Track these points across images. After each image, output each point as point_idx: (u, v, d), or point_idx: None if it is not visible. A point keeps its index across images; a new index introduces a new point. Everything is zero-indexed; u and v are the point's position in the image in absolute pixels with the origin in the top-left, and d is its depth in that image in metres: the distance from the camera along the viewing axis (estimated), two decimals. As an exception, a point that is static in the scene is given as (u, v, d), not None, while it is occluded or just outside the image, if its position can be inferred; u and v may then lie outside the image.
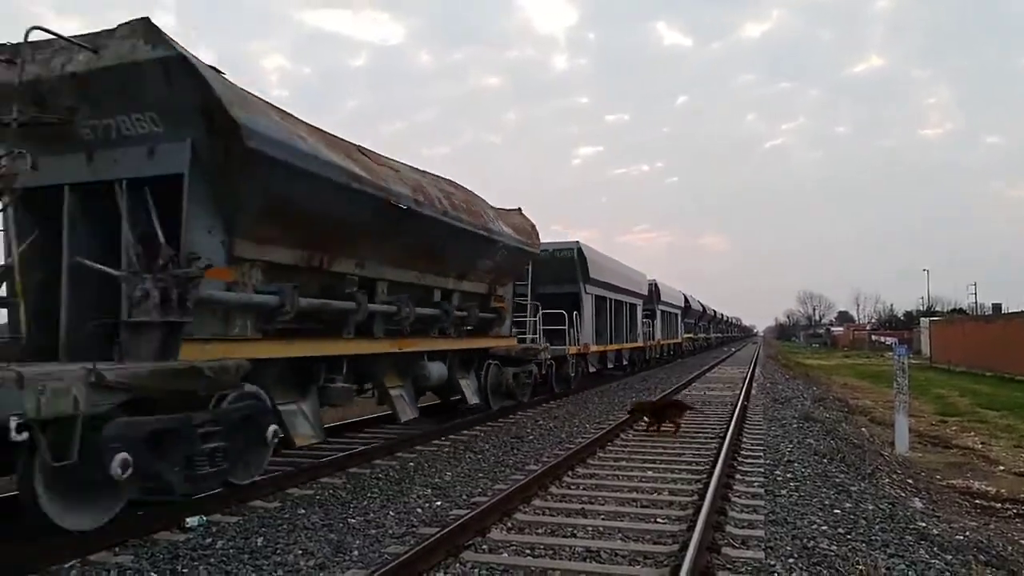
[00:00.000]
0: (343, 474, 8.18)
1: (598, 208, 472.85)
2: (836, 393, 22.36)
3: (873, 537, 5.92)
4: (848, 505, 6.97)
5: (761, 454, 9.54)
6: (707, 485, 7.04)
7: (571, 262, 18.49)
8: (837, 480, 8.11)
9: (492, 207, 12.77)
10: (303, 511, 6.61)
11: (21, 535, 5.36)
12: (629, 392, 18.59)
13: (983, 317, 46.76)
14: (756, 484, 7.73)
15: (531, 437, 10.96)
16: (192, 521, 6.06)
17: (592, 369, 20.89)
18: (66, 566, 5.05)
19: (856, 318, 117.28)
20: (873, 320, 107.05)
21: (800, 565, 5.13)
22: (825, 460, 9.31)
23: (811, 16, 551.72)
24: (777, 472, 8.40)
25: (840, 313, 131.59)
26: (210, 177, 6.49)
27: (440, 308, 10.92)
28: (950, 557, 5.74)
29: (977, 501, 9.03)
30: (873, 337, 78.43)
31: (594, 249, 20.09)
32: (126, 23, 6.30)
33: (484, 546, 5.58)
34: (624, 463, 8.95)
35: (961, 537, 6.62)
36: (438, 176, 11.20)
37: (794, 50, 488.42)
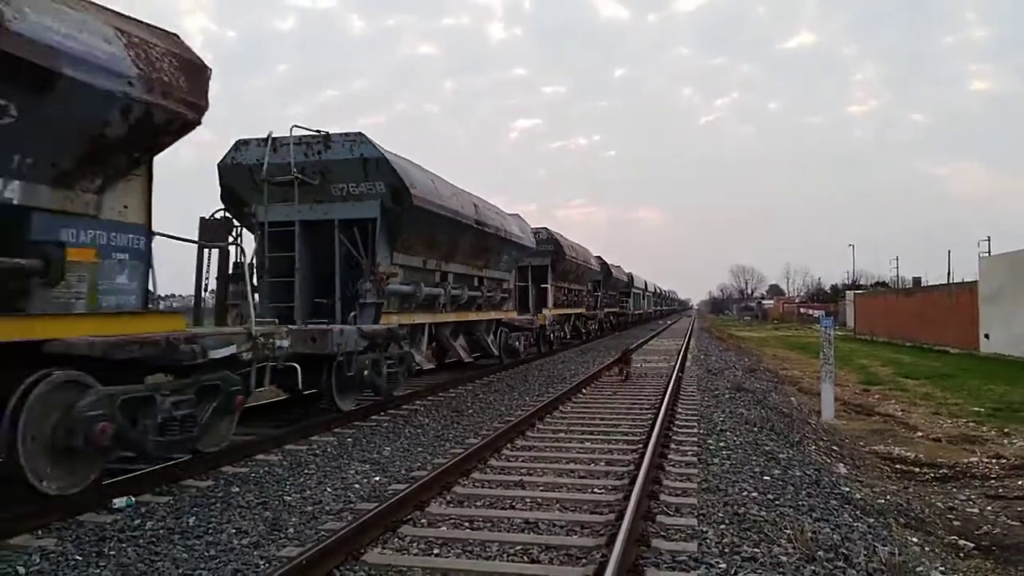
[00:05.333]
0: (279, 451, 8.05)
1: (536, 182, 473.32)
2: (767, 364, 23.07)
3: (800, 502, 6.13)
4: (777, 472, 7.20)
5: (695, 424, 9.77)
6: (643, 455, 7.17)
7: (608, 271, 35.77)
8: (767, 448, 8.36)
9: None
10: (237, 489, 6.47)
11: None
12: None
13: (904, 290, 48.74)
14: (690, 453, 7.92)
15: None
16: (120, 502, 5.87)
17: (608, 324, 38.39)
18: (-17, 551, 4.82)
19: (786, 291, 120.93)
20: (802, 293, 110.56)
21: (731, 531, 5.27)
22: (755, 429, 9.59)
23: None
24: (710, 441, 8.62)
25: (771, 286, 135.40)
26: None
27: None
28: (872, 520, 6.00)
29: (897, 466, 9.46)
30: (802, 310, 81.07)
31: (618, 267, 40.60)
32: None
33: (423, 520, 5.57)
34: (563, 434, 9.05)
35: (882, 500, 6.94)
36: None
37: (727, 24, 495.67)
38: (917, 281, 56.28)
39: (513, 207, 18.35)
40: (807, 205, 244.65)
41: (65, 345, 5.51)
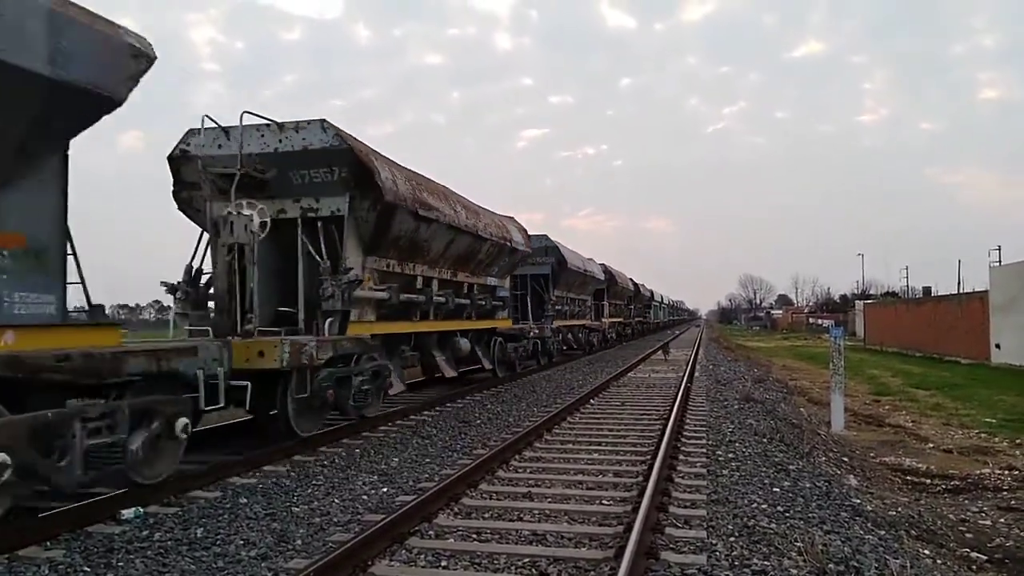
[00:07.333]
0: (287, 462, 8.05)
1: (544, 191, 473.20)
2: (775, 374, 22.95)
3: (810, 514, 6.08)
4: (787, 483, 7.15)
5: (704, 435, 9.72)
6: (651, 467, 7.13)
7: (638, 289, 44.90)
8: (776, 459, 8.31)
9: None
10: (245, 500, 6.47)
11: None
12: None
13: (914, 300, 48.51)
14: (699, 464, 7.87)
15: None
16: (127, 513, 5.89)
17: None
18: (-8, 563, 4.86)
19: (795, 301, 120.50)
20: (811, 303, 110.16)
21: (740, 544, 5.24)
22: (765, 440, 9.53)
23: None
24: (719, 452, 8.58)
25: (780, 296, 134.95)
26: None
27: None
28: (883, 532, 5.95)
29: (908, 477, 9.37)
30: (811, 320, 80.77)
31: (643, 285, 50.44)
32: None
33: (430, 532, 5.55)
34: (571, 445, 9.02)
35: (893, 513, 6.87)
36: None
37: (734, 33, 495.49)
38: (927, 291, 56.01)
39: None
40: (816, 214, 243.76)
41: (500, 329, 16.77)
